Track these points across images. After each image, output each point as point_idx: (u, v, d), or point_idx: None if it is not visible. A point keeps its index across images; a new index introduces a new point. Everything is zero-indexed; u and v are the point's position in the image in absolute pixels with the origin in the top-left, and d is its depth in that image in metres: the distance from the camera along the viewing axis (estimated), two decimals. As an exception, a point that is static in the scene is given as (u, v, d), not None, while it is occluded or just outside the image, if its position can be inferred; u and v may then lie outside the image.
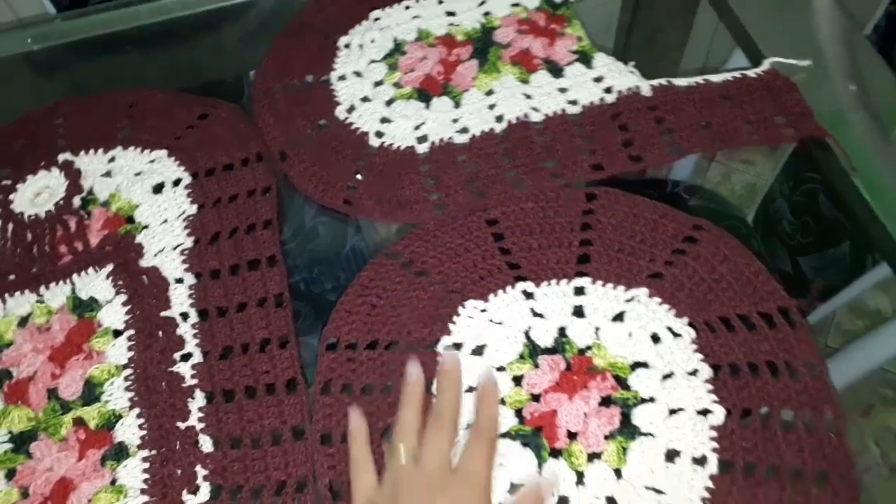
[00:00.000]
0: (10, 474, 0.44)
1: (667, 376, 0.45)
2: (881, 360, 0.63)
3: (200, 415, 0.46)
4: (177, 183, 0.56)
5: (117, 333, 0.49)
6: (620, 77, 0.58)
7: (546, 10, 0.63)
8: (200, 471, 0.44)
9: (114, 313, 0.49)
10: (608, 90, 0.57)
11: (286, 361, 0.47)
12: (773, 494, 0.42)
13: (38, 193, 0.55)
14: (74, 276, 0.51)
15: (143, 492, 0.43)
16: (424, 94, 0.59)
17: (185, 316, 0.50)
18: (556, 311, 0.49)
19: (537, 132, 0.56)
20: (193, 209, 0.54)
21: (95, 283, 0.50)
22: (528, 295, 0.50)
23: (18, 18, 0.73)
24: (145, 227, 0.54)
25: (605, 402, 0.45)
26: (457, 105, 0.58)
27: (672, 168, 1.01)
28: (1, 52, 0.69)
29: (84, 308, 0.50)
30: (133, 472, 0.43)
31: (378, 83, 0.60)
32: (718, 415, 0.44)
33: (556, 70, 0.59)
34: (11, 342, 0.49)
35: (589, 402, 0.45)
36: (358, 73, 0.61)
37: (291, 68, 0.62)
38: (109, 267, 0.51)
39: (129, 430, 0.45)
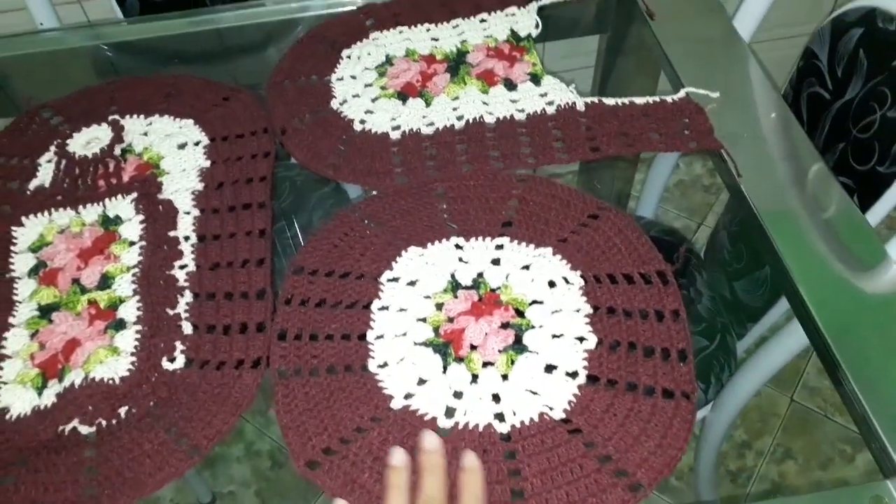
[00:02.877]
0: (34, 334, 0.57)
1: (556, 311, 0.56)
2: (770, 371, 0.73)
3: (186, 307, 0.58)
4: (197, 143, 0.70)
5: (132, 244, 0.62)
6: (562, 94, 0.71)
7: (511, 42, 0.77)
8: (179, 346, 0.56)
9: (132, 228, 0.62)
10: (550, 103, 0.71)
11: (260, 276, 0.60)
12: (627, 403, 0.51)
13: (89, 141, 0.70)
14: (106, 200, 0.65)
15: (132, 354, 0.55)
16: (404, 95, 0.73)
17: (186, 238, 0.62)
18: (478, 259, 0.60)
19: (489, 130, 0.69)
20: (207, 164, 0.68)
21: (122, 206, 0.64)
22: (459, 247, 0.61)
23: (89, 21, 0.90)
24: (167, 173, 0.67)
25: (504, 326, 0.56)
26: (428, 105, 0.72)
27: (638, 206, 1.14)
28: (72, 44, 0.85)
29: (110, 223, 0.63)
30: (127, 339, 0.55)
31: (368, 85, 0.75)
32: (591, 341, 0.54)
33: (511, 86, 0.73)
34: (51, 243, 0.62)
35: (491, 325, 0.55)
36: (353, 77, 0.76)
37: (301, 69, 0.77)
38: (134, 195, 0.65)
39: (129, 310, 0.57)
